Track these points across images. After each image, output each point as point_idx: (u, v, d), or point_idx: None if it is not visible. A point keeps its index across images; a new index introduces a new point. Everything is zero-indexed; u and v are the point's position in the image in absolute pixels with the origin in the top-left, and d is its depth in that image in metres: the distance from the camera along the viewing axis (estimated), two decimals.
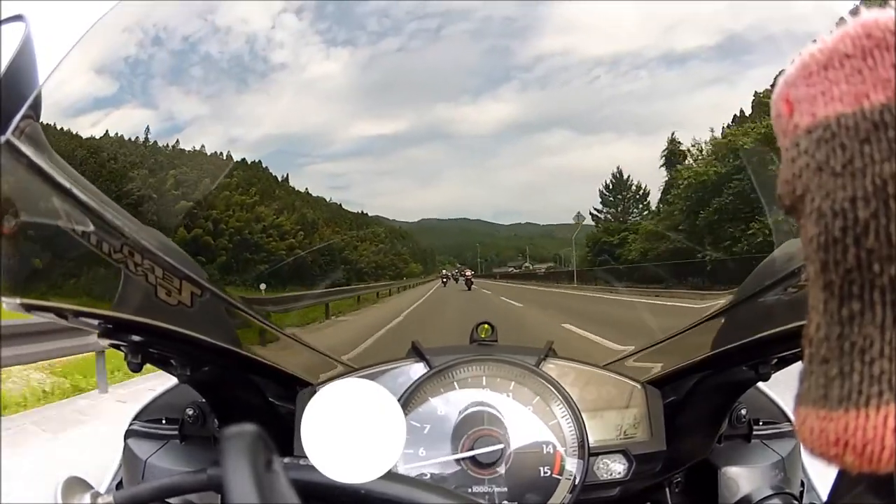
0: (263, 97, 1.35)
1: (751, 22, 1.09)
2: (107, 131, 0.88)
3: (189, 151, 1.16)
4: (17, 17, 0.43)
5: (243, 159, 1.32)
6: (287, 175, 1.73)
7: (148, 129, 1.00)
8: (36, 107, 0.43)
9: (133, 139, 0.97)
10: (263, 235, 1.76)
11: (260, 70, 1.32)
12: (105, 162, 0.83)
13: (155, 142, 1.05)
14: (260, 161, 1.39)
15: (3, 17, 0.43)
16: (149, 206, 0.85)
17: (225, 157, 1.25)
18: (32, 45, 0.43)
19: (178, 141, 1.16)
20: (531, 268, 3.05)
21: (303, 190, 2.00)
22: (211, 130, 1.25)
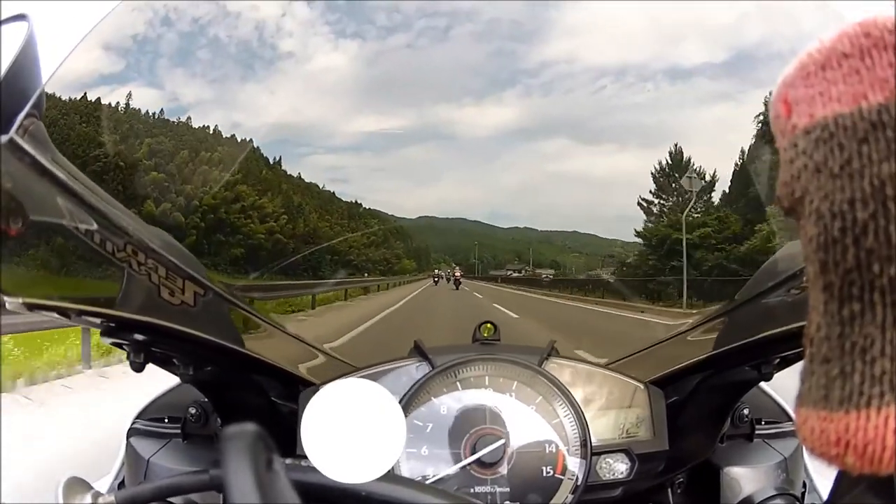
0: (268, 85, 1.34)
1: (758, 40, 1.07)
2: (85, 94, 0.84)
3: (172, 122, 1.13)
4: (20, 17, 0.43)
5: (232, 135, 1.27)
6: (279, 157, 1.67)
7: (130, 94, 0.95)
8: (39, 106, 0.43)
9: (113, 105, 0.93)
10: (241, 216, 1.64)
11: (267, 57, 1.31)
12: (75, 125, 0.80)
13: (136, 108, 1.00)
14: (251, 140, 1.33)
15: (6, 16, 0.44)
16: (114, 174, 0.80)
17: (212, 132, 1.22)
18: (35, 45, 0.43)
19: (162, 110, 1.12)
20: (536, 273, 2.97)
21: (295, 175, 1.91)
22: (213, 115, 1.24)
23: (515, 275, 2.99)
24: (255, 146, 1.32)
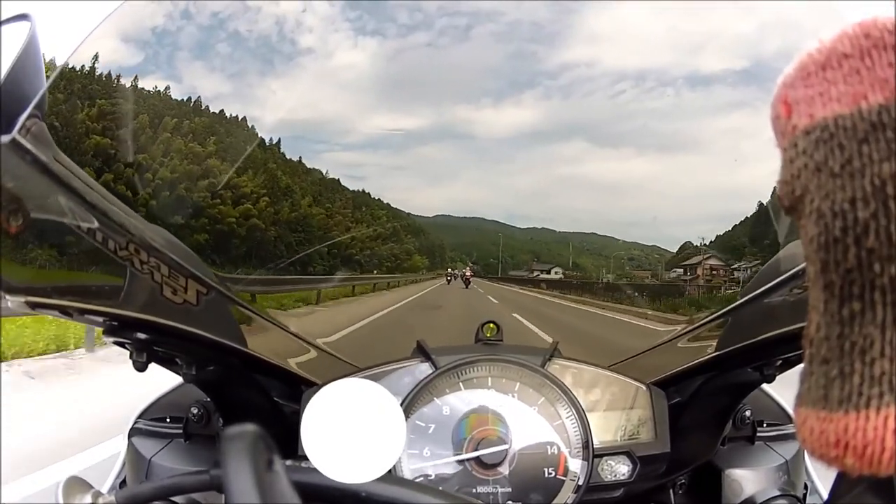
0: (287, 80, 1.32)
1: (778, 49, 1.06)
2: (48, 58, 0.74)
3: (143, 90, 1.03)
4: (23, 17, 0.44)
5: (221, 111, 1.17)
6: (279, 139, 1.56)
7: (96, 56, 0.79)
8: (41, 106, 0.43)
9: (79, 68, 0.80)
10: (208, 195, 1.37)
11: (286, 52, 1.28)
12: None
13: (98, 72, 0.86)
14: (244, 118, 1.20)
15: (8, 16, 0.44)
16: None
17: (193, 104, 1.15)
18: (38, 45, 0.43)
19: (136, 77, 1.00)
20: (597, 278, 2.81)
21: (295, 159, 1.73)
22: (229, 109, 1.20)
23: (546, 276, 2.84)
24: (251, 125, 1.21)
